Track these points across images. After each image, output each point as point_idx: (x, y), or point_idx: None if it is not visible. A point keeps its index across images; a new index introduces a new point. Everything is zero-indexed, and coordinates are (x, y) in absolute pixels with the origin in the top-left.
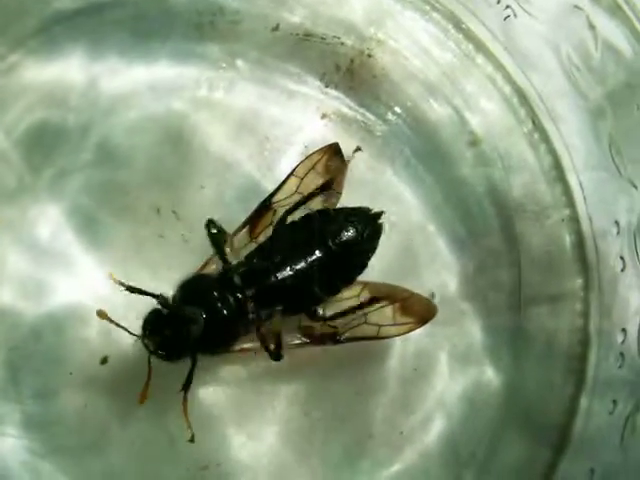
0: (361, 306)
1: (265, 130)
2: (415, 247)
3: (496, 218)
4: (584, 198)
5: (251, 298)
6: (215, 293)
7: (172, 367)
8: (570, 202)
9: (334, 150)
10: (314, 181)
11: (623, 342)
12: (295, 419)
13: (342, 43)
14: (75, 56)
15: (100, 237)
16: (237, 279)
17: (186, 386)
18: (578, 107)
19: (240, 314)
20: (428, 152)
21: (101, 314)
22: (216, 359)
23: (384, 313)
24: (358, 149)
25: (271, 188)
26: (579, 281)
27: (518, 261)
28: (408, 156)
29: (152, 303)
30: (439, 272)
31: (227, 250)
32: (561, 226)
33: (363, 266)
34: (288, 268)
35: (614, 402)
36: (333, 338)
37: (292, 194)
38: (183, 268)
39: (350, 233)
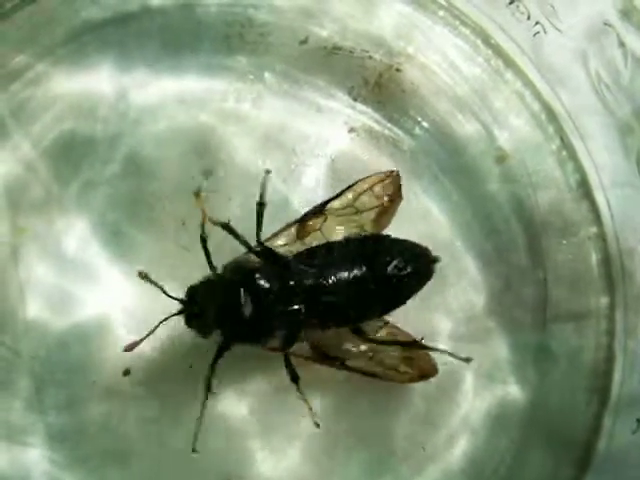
0: (374, 341)
1: (292, 143)
2: (441, 263)
3: (523, 235)
4: (611, 216)
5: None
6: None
7: (197, 376)
8: (597, 219)
9: (395, 177)
10: (370, 201)
11: None
12: (317, 435)
13: (371, 57)
14: (104, 67)
15: (126, 249)
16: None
17: (212, 369)
18: (606, 124)
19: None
20: (456, 168)
21: (142, 275)
22: (240, 369)
23: (390, 356)
24: (268, 172)
25: (298, 201)
26: (605, 299)
27: (544, 278)
28: (436, 171)
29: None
30: (465, 289)
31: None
32: (587, 243)
33: (401, 304)
34: (335, 281)
35: (638, 421)
36: (340, 362)
37: (346, 206)
38: None
39: (402, 269)
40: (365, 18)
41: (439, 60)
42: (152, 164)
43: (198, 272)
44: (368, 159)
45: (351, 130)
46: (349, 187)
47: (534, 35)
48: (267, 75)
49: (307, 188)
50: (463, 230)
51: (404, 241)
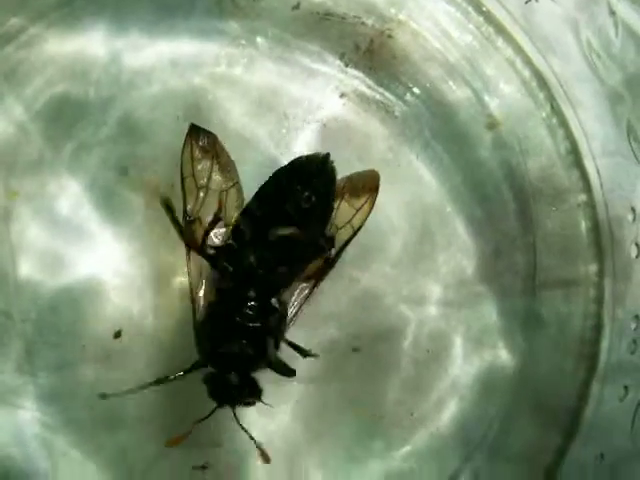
0: None
1: (284, 108)
2: (432, 229)
3: (513, 201)
4: (601, 184)
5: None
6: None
7: (188, 339)
8: (587, 187)
9: (196, 132)
10: (205, 167)
11: (636, 329)
12: (307, 398)
13: (363, 23)
14: (97, 30)
15: (117, 211)
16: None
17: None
18: (597, 92)
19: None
20: (447, 134)
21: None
22: None
23: (344, 209)
24: None
25: None
26: (594, 267)
27: (534, 245)
28: (427, 137)
29: (166, 276)
30: (455, 254)
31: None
32: (577, 211)
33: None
34: (268, 239)
35: (625, 388)
36: (330, 262)
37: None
38: None
39: (304, 201)
40: None
41: (430, 27)
42: (144, 127)
43: None
44: (359, 124)
45: (342, 95)
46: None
47: (526, 2)
48: (259, 40)
49: (298, 153)
50: (454, 195)
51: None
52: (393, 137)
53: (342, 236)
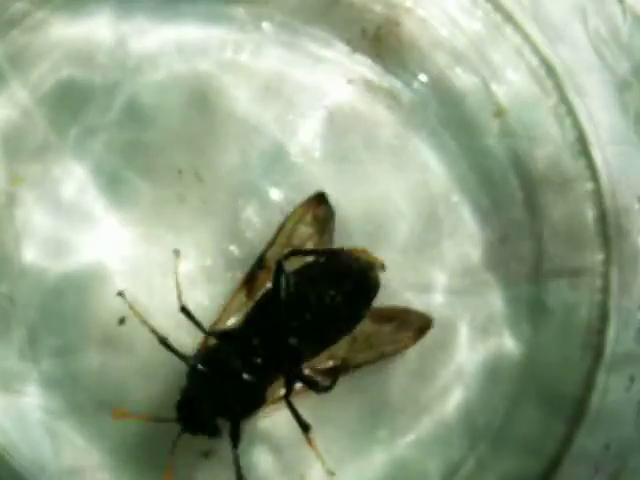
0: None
1: (290, 94)
2: (438, 216)
3: (520, 189)
4: (608, 172)
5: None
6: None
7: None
8: (594, 176)
9: (319, 200)
10: (304, 232)
11: None
12: None
13: (370, 10)
14: (102, 15)
15: (123, 197)
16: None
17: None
18: (605, 81)
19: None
20: (454, 121)
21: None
22: None
23: (384, 334)
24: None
25: (295, 152)
26: (600, 256)
27: (540, 233)
28: (434, 124)
29: (171, 263)
30: (461, 242)
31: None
32: (584, 200)
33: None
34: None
35: (631, 379)
36: (345, 370)
37: (284, 247)
38: (204, 230)
39: (337, 297)
40: None
41: (438, 13)
42: (150, 112)
43: (194, 222)
44: (366, 111)
45: (349, 82)
46: (280, 229)
47: None
48: (265, 25)
49: (304, 139)
50: (460, 183)
51: (341, 259)
52: (400, 124)
53: (363, 353)
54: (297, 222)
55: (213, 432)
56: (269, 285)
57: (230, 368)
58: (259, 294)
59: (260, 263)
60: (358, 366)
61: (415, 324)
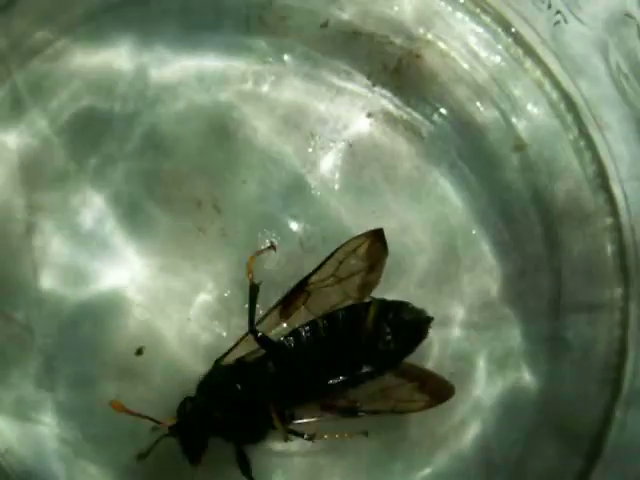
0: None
1: (310, 126)
2: (458, 250)
3: (539, 224)
4: (627, 207)
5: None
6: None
7: (210, 355)
8: (613, 211)
9: (377, 236)
10: (355, 265)
11: None
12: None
13: (391, 42)
14: (123, 45)
15: (141, 227)
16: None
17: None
18: (625, 116)
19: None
20: (474, 155)
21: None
22: None
23: (403, 390)
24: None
25: (314, 185)
26: (619, 290)
27: (559, 268)
28: (454, 158)
29: (189, 294)
30: (480, 276)
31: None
32: (603, 235)
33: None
34: (323, 361)
35: None
36: (353, 412)
37: (329, 277)
38: (222, 261)
39: (388, 342)
40: (386, 3)
41: (459, 47)
42: (170, 142)
43: (212, 253)
44: (386, 144)
45: (369, 115)
46: (330, 256)
47: (554, 24)
48: (286, 57)
49: (324, 171)
50: (480, 217)
51: (392, 304)
52: (420, 157)
53: (377, 402)
54: (349, 254)
55: (198, 447)
56: (304, 310)
57: (246, 393)
58: (293, 317)
59: (302, 286)
60: (367, 412)
61: (436, 391)
